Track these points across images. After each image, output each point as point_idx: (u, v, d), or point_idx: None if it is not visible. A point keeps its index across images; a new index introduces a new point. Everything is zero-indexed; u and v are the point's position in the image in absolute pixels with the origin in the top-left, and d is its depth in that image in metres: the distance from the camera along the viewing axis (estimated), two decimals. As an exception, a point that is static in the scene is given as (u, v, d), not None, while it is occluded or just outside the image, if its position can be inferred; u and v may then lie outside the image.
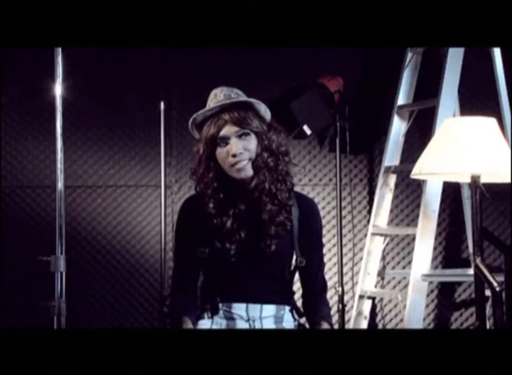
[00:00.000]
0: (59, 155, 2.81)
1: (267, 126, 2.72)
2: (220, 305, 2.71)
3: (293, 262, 2.76)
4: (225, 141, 2.66)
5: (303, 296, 2.81)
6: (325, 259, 4.51)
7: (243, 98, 2.72)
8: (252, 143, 2.67)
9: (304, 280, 2.78)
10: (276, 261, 2.71)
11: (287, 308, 2.77)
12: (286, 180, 2.71)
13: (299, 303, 2.83)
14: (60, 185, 2.81)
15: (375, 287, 4.43)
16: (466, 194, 4.34)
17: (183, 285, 2.74)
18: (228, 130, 2.66)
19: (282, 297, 2.76)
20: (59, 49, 2.78)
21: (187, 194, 2.85)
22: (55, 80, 2.80)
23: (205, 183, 2.69)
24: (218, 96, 2.70)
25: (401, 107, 4.36)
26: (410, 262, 4.29)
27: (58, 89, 2.80)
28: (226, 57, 4.33)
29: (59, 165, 2.80)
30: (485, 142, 3.33)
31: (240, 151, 2.64)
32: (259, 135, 2.68)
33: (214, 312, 2.71)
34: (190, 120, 2.73)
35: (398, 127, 4.37)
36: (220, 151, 2.67)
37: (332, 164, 4.48)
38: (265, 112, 2.73)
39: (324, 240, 4.51)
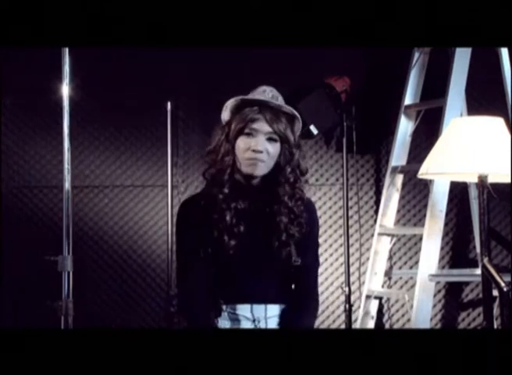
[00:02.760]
0: (66, 156, 2.81)
1: (296, 143, 2.72)
2: (224, 306, 2.71)
3: (288, 261, 2.76)
4: (253, 133, 2.66)
5: (292, 295, 2.78)
6: (332, 259, 4.52)
7: (290, 107, 2.71)
8: (275, 149, 2.67)
9: (298, 279, 2.77)
10: (280, 261, 2.72)
11: (290, 307, 2.77)
12: (302, 197, 2.73)
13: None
14: (67, 185, 2.81)
15: (382, 287, 4.42)
16: (473, 194, 4.34)
17: (191, 286, 2.74)
18: (261, 126, 2.65)
19: (286, 296, 2.76)
20: (66, 49, 2.79)
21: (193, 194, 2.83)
22: (62, 81, 2.81)
23: (222, 166, 2.67)
24: (267, 93, 2.70)
25: (408, 107, 4.35)
26: (417, 262, 4.29)
27: (65, 89, 2.81)
28: (233, 57, 4.33)
29: (66, 165, 2.81)
30: (493, 142, 3.32)
31: (262, 149, 2.65)
32: (284, 146, 2.68)
33: (217, 314, 2.71)
34: (232, 100, 2.67)
35: (405, 127, 4.36)
36: (243, 140, 2.66)
37: (339, 164, 4.48)
38: (298, 129, 2.74)
39: (331, 240, 4.52)
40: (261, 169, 2.66)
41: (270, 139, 2.66)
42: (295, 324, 2.69)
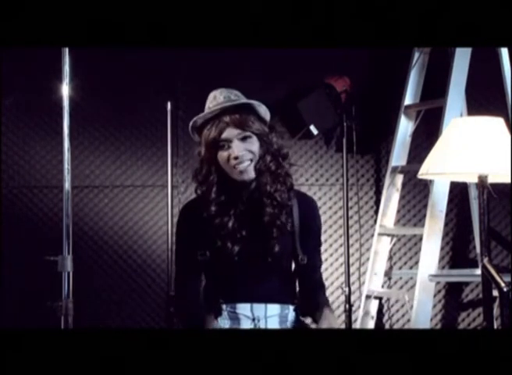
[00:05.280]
0: (66, 156, 2.81)
1: (268, 128, 2.73)
2: (224, 306, 2.71)
3: (295, 260, 2.77)
4: (227, 143, 2.66)
5: (301, 293, 2.80)
6: (332, 259, 4.52)
7: (244, 99, 2.72)
8: (254, 145, 2.68)
9: (304, 277, 2.79)
10: (279, 260, 2.72)
11: (291, 307, 2.77)
12: (286, 181, 2.73)
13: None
14: (67, 185, 2.81)
15: (382, 287, 4.42)
16: (473, 194, 4.34)
17: (190, 287, 2.74)
18: (229, 132, 2.66)
19: (286, 296, 2.76)
20: (66, 49, 2.79)
21: (193, 195, 2.85)
22: (62, 81, 2.81)
23: (207, 186, 2.70)
24: (217, 98, 2.70)
25: (408, 107, 4.35)
26: (417, 263, 4.29)
27: (65, 89, 2.81)
28: (233, 57, 4.33)
29: (66, 165, 2.81)
30: (493, 142, 3.32)
31: (242, 153, 2.65)
32: (260, 137, 2.69)
33: (217, 313, 2.72)
34: (191, 123, 2.73)
35: (405, 127, 4.36)
36: (222, 154, 2.67)
37: (339, 164, 4.48)
38: (265, 113, 2.74)
39: (331, 240, 4.51)
40: (251, 172, 2.67)
41: (244, 138, 2.67)
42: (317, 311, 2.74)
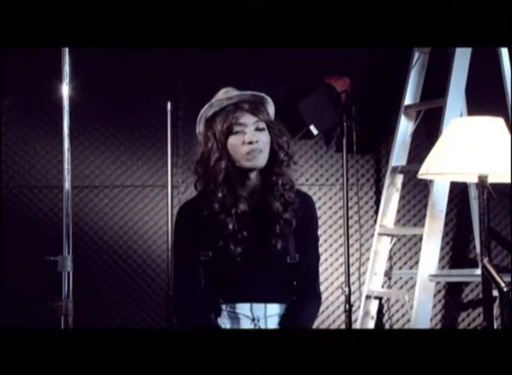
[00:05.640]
0: (66, 156, 2.81)
1: (277, 124, 2.76)
2: (223, 306, 2.71)
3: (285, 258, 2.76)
4: (242, 129, 2.68)
5: (293, 292, 2.79)
6: (332, 259, 4.52)
7: (258, 93, 2.76)
8: (266, 137, 2.71)
9: (298, 275, 2.78)
10: (280, 259, 2.72)
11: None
12: (292, 182, 2.74)
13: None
14: (67, 185, 2.81)
15: (382, 287, 4.42)
16: (473, 194, 4.34)
17: (191, 287, 2.74)
18: (247, 118, 2.69)
19: (285, 295, 2.76)
20: (66, 49, 2.79)
21: (193, 194, 2.84)
22: (62, 81, 2.81)
23: (213, 174, 2.69)
24: (229, 92, 2.73)
25: (408, 107, 4.35)
26: (417, 263, 4.29)
27: (65, 89, 2.81)
28: (233, 57, 4.33)
29: (66, 165, 2.81)
30: (493, 142, 3.32)
31: (257, 139, 2.67)
32: (272, 130, 2.72)
33: (217, 314, 2.71)
34: (203, 110, 2.73)
35: (405, 127, 4.36)
36: (234, 139, 2.69)
37: (339, 164, 4.48)
38: (273, 111, 2.78)
39: (331, 240, 4.52)
40: (261, 160, 2.69)
41: (257, 129, 2.70)
42: (294, 323, 2.69)
